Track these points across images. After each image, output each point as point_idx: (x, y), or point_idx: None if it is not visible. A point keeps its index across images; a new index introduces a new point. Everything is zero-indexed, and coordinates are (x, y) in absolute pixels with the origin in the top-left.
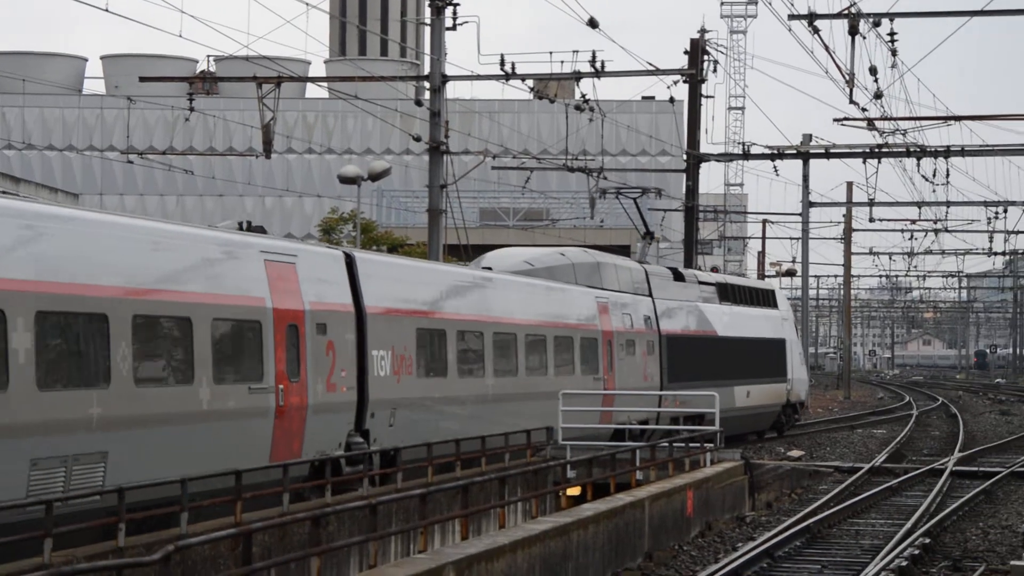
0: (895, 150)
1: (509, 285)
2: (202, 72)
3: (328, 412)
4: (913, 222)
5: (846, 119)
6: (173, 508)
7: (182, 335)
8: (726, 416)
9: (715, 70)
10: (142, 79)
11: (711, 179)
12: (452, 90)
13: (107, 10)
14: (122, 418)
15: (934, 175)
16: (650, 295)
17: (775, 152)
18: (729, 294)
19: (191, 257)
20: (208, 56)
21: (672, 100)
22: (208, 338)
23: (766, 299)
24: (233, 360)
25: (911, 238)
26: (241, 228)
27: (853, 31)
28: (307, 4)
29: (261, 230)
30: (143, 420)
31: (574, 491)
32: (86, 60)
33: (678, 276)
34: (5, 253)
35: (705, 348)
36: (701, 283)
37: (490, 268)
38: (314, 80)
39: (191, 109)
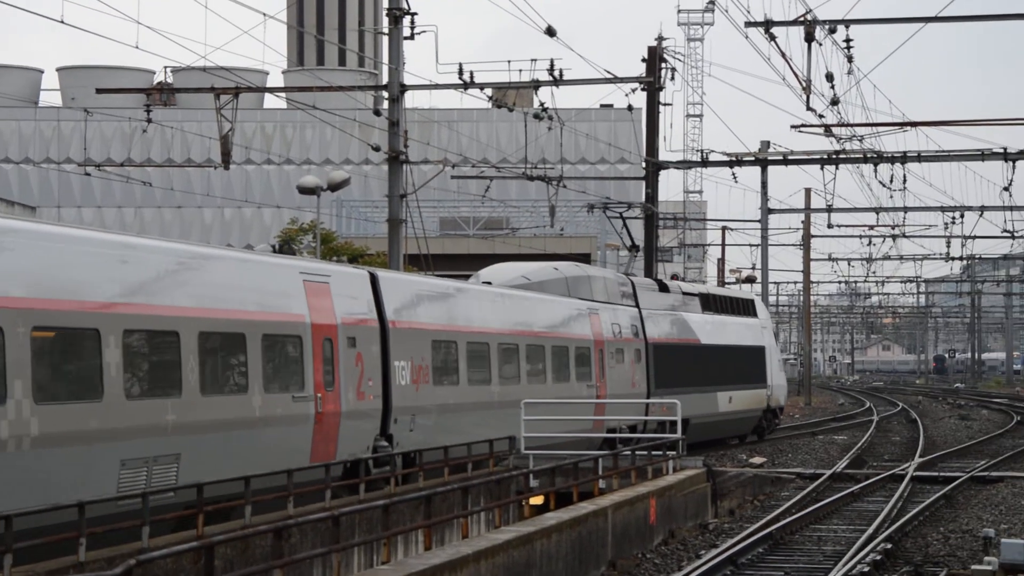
0: (852, 156)
1: (510, 299)
2: (159, 83)
3: (358, 418)
4: (871, 228)
5: (803, 126)
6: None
7: (238, 350)
8: (710, 421)
9: (673, 78)
10: (99, 91)
11: (670, 186)
12: (411, 99)
13: (62, 21)
14: (192, 424)
15: (891, 181)
16: (637, 305)
17: (733, 159)
18: (711, 304)
19: (244, 279)
20: (165, 67)
21: (630, 108)
22: (259, 352)
23: (746, 308)
24: (279, 371)
25: (869, 244)
26: (275, 251)
27: (809, 38)
28: (264, 15)
29: (291, 252)
30: (208, 426)
31: (537, 500)
32: (42, 72)
33: (663, 287)
34: (99, 279)
35: (689, 356)
36: (685, 294)
37: (490, 283)
38: (272, 90)
39: (148, 120)
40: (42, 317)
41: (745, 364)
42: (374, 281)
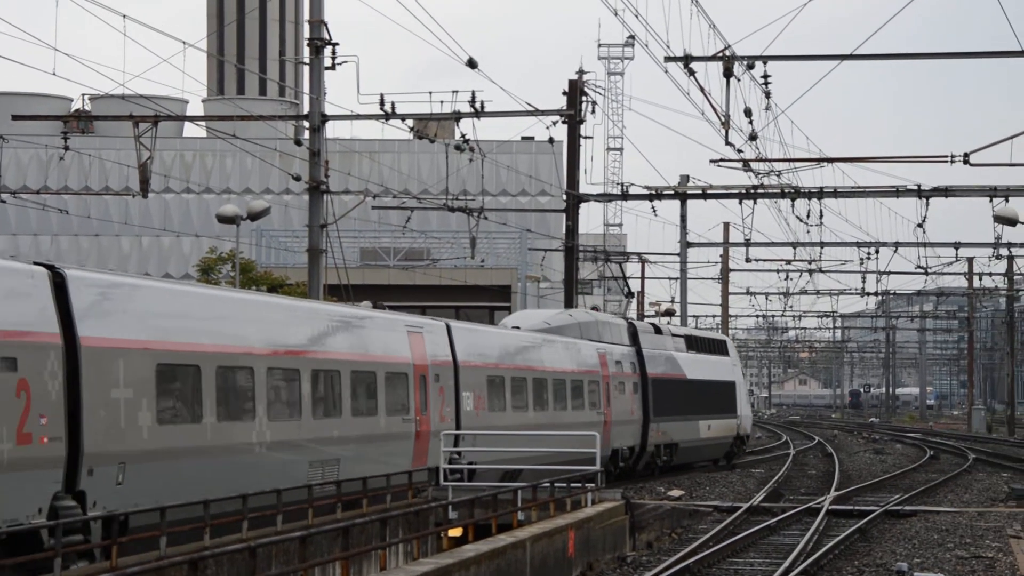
0: (770, 191)
1: (540, 342)
2: (77, 111)
3: (440, 436)
4: (788, 262)
5: (722, 160)
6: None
7: (372, 383)
8: (694, 446)
9: (593, 111)
10: (15, 117)
11: (591, 219)
12: (332, 129)
13: None
14: (347, 437)
15: (808, 216)
16: (637, 345)
17: (653, 192)
18: (694, 344)
19: (374, 331)
20: (83, 95)
21: (551, 140)
22: (383, 385)
23: (720, 348)
24: (394, 399)
25: (787, 278)
26: (375, 307)
27: (728, 73)
28: (184, 43)
29: (382, 307)
30: (355, 439)
31: (456, 532)
32: None
33: (657, 330)
34: (301, 336)
35: (678, 388)
36: (674, 335)
37: (518, 327)
38: (192, 119)
39: (66, 148)
40: (272, 361)
41: (720, 396)
42: (449, 330)
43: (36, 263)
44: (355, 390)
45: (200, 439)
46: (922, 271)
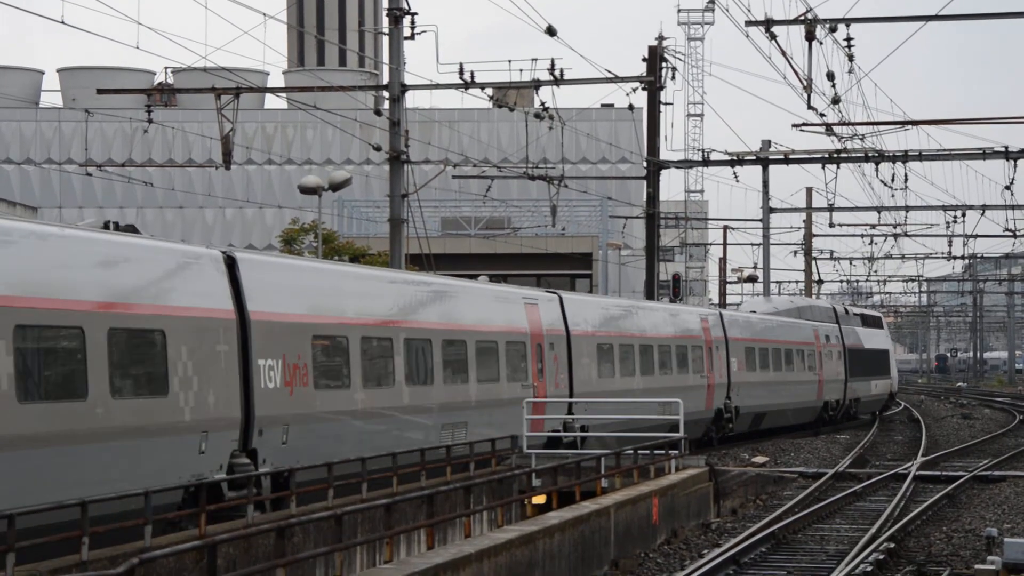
0: (854, 155)
1: (773, 321)
2: (160, 84)
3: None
4: (873, 227)
5: (805, 125)
6: (136, 522)
7: (685, 353)
8: (868, 400)
9: (673, 77)
10: (100, 91)
11: (671, 186)
12: (411, 99)
13: (63, 22)
14: (673, 388)
15: (893, 180)
16: (837, 323)
17: (734, 158)
18: (865, 320)
19: (684, 318)
20: (166, 68)
21: (631, 107)
22: (690, 354)
23: (878, 322)
24: (695, 363)
25: (871, 243)
26: (672, 303)
27: (810, 37)
28: (264, 15)
29: (676, 302)
30: (680, 388)
31: (539, 499)
32: (42, 73)
33: (846, 310)
34: (649, 326)
35: (860, 356)
36: (854, 314)
37: (755, 311)
38: (273, 91)
39: (149, 121)
40: (641, 341)
41: (881, 361)
42: (721, 316)
43: (528, 297)
44: (676, 357)
45: (613, 387)
46: (1010, 234)
